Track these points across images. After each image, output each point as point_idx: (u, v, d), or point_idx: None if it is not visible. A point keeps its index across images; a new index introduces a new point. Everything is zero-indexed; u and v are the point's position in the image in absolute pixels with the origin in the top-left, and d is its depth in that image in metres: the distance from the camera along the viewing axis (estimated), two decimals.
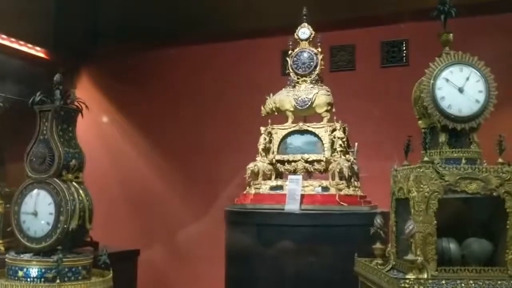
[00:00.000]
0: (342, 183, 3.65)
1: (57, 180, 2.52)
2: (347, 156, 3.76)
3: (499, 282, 1.92)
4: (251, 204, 3.72)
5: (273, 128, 3.92)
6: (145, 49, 5.66)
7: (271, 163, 3.87)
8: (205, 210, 5.02)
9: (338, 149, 3.74)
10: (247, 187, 3.88)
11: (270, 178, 3.85)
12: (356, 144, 3.82)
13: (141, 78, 5.66)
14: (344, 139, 3.78)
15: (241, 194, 3.89)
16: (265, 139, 3.91)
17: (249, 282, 3.57)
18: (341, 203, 3.54)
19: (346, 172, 3.62)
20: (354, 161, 3.79)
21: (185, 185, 5.46)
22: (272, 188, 3.77)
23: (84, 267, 2.50)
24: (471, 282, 1.93)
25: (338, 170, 3.64)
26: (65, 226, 2.45)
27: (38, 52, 5.29)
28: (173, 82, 5.59)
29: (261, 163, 3.84)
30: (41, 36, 5.19)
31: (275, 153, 3.87)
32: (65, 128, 2.64)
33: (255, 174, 3.82)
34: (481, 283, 1.92)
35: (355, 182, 3.79)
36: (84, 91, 5.84)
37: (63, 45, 5.33)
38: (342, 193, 3.61)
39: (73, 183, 2.55)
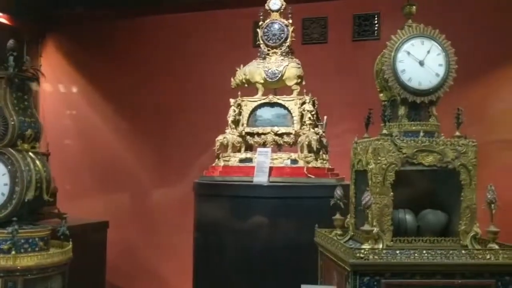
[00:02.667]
0: (311, 156, 3.67)
1: (11, 150, 2.46)
2: (316, 129, 3.77)
3: (450, 252, 1.97)
4: (220, 176, 3.73)
5: (243, 100, 3.89)
6: (115, 16, 5.48)
7: (240, 136, 3.86)
8: (174, 181, 5.01)
9: (307, 122, 3.75)
10: (216, 159, 3.87)
11: (239, 151, 3.84)
12: (325, 117, 3.83)
13: (111, 46, 5.51)
14: (313, 112, 3.78)
15: (210, 166, 3.88)
16: (234, 111, 3.88)
17: (217, 253, 3.61)
18: (309, 175, 3.57)
19: (314, 145, 3.64)
20: (323, 134, 3.81)
21: (154, 156, 5.42)
22: (241, 160, 3.77)
23: (42, 238, 2.48)
24: (425, 252, 1.98)
25: (306, 143, 3.65)
26: (21, 197, 2.40)
27: None
28: (143, 51, 5.47)
29: (230, 136, 3.83)
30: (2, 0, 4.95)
31: (245, 125, 3.85)
32: (20, 96, 2.56)
33: (224, 146, 3.81)
34: (433, 253, 1.97)
35: (324, 155, 3.82)
36: (50, 59, 5.67)
37: (27, 11, 5.10)
38: (310, 165, 3.64)
39: (29, 153, 2.48)
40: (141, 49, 5.48)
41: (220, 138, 3.82)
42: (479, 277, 1.98)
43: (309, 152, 3.66)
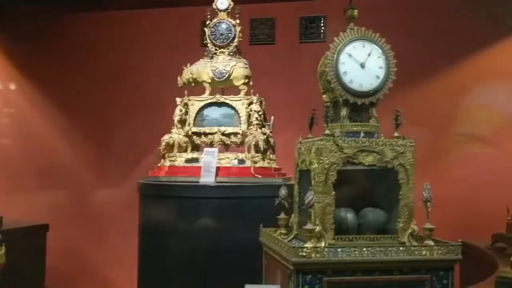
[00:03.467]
0: (258, 156, 3.69)
1: None
2: (263, 129, 3.79)
3: (389, 249, 2.03)
4: (165, 177, 3.67)
5: (189, 100, 3.85)
6: (56, 12, 5.27)
7: (187, 135, 3.82)
8: (119, 182, 4.88)
9: (255, 122, 3.77)
10: (162, 160, 3.81)
11: (185, 151, 3.81)
12: (272, 117, 3.87)
13: (52, 43, 5.30)
14: (260, 113, 3.80)
15: (156, 166, 3.81)
16: (181, 110, 3.84)
17: (163, 255, 3.54)
18: (256, 175, 3.58)
19: (261, 145, 3.67)
20: (270, 134, 3.84)
21: (98, 156, 5.26)
22: (187, 160, 3.73)
23: None
24: (365, 249, 2.02)
25: (254, 143, 3.67)
26: None
27: None
28: (86, 48, 5.29)
29: (176, 135, 3.78)
30: None
31: (191, 125, 3.82)
32: None
33: (170, 146, 3.76)
34: (373, 250, 2.02)
35: (271, 155, 3.85)
36: None
37: None
38: (257, 165, 3.66)
39: None
40: (85, 46, 5.31)
41: (166, 137, 3.76)
42: (415, 272, 2.05)
43: (256, 152, 3.68)
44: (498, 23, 4.65)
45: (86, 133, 5.30)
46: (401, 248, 2.04)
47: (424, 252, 2.05)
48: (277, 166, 3.83)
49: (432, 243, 2.09)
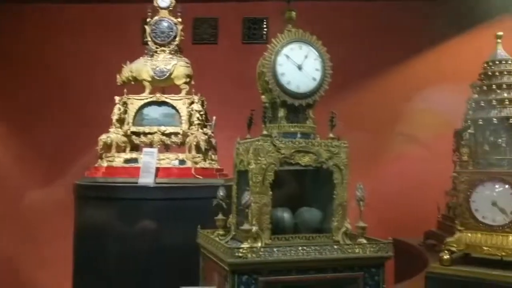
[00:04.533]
0: (199, 157, 3.66)
1: None
2: (204, 129, 3.77)
3: (323, 247, 2.06)
4: (102, 178, 3.56)
5: (128, 98, 3.76)
6: None
7: (125, 135, 3.72)
8: (53, 183, 4.66)
9: (196, 122, 3.74)
10: (99, 160, 3.68)
11: (124, 151, 3.71)
12: (214, 117, 3.85)
13: None
14: (202, 112, 3.78)
15: (92, 167, 3.68)
16: (119, 109, 3.74)
17: (100, 259, 3.43)
18: (197, 176, 3.55)
19: (203, 145, 3.65)
20: (212, 134, 3.82)
21: (31, 156, 5.01)
22: (126, 161, 3.64)
23: None
24: (300, 248, 2.04)
25: (195, 143, 3.64)
26: None
27: None
28: (21, 43, 5.03)
29: (114, 135, 3.67)
30: None
31: (130, 124, 3.72)
32: None
33: (107, 146, 3.65)
34: (308, 249, 2.04)
35: (212, 156, 3.83)
36: None
37: None
38: (198, 166, 3.63)
39: None
40: (19, 41, 5.03)
41: (103, 137, 3.65)
42: (349, 270, 2.10)
43: (197, 152, 3.65)
44: (435, 29, 4.89)
45: (19, 132, 5.02)
46: (335, 247, 2.08)
47: (357, 250, 2.10)
48: (219, 167, 3.81)
49: (364, 241, 2.15)
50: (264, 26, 4.86)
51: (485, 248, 2.84)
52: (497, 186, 2.87)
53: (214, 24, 4.93)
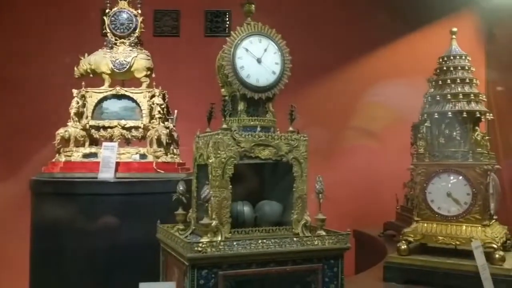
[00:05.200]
0: (160, 151, 3.62)
1: None
2: (166, 123, 3.72)
3: (283, 240, 2.08)
4: (60, 173, 3.46)
5: (87, 91, 3.66)
6: None
7: (84, 129, 3.63)
8: (7, 179, 4.50)
9: (157, 115, 3.68)
10: (57, 155, 3.58)
11: (83, 145, 3.61)
12: (175, 111, 3.81)
13: None
14: (163, 106, 3.72)
15: (50, 162, 3.57)
16: (77, 102, 3.63)
17: (59, 255, 3.34)
18: (158, 170, 3.51)
19: (164, 139, 3.60)
20: (174, 128, 3.78)
21: None
22: (85, 155, 3.55)
23: None
24: (260, 241, 2.05)
25: (156, 137, 3.60)
26: None
27: None
28: None
29: (72, 129, 3.57)
30: None
31: (89, 118, 3.63)
32: None
33: (65, 141, 3.55)
34: (268, 242, 2.06)
35: (174, 150, 3.79)
36: None
37: None
38: (159, 160, 3.59)
39: None
40: None
41: (61, 131, 3.54)
42: (308, 262, 2.12)
43: (159, 146, 3.61)
44: (392, 25, 4.99)
45: None
46: (294, 239, 2.09)
47: (316, 242, 2.13)
48: (181, 161, 3.78)
49: (323, 233, 2.18)
50: (227, 19, 4.83)
51: (440, 237, 2.93)
52: (451, 178, 2.96)
53: (175, 16, 4.85)
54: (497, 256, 2.77)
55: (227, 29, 4.87)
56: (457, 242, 2.89)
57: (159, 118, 3.67)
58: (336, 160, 4.76)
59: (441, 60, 3.13)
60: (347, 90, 4.86)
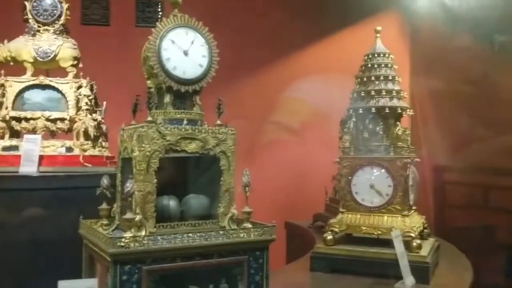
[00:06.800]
0: (88, 144, 3.50)
1: None
2: (94, 115, 3.60)
3: (209, 233, 2.08)
4: None
5: (7, 80, 3.45)
6: None
7: (4, 121, 3.42)
8: None
9: (84, 107, 3.55)
10: None
11: (3, 138, 3.41)
12: (104, 103, 3.69)
13: None
14: (91, 97, 3.60)
15: None
16: None
17: None
18: (85, 164, 3.39)
19: (92, 132, 3.49)
20: (102, 120, 3.67)
21: None
22: (4, 148, 3.36)
23: None
24: (186, 235, 2.04)
25: (83, 129, 3.48)
26: None
27: None
28: None
29: None
30: None
31: (9, 109, 3.43)
32: None
33: None
34: (194, 236, 2.05)
35: (103, 143, 3.68)
36: None
37: None
38: (87, 153, 3.47)
39: None
40: None
41: None
42: (234, 254, 2.14)
43: (86, 139, 3.49)
44: (321, 22, 5.12)
45: None
46: (220, 232, 2.10)
47: (242, 235, 2.14)
48: (109, 155, 3.67)
49: (249, 225, 2.20)
50: (159, 9, 4.74)
51: (363, 228, 3.07)
52: (374, 170, 3.10)
53: (105, 4, 4.68)
54: (414, 244, 2.94)
55: (159, 19, 4.75)
56: (379, 232, 3.04)
57: (87, 110, 3.54)
58: (268, 154, 4.84)
59: (365, 57, 3.26)
60: (276, 85, 4.95)
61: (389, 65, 3.20)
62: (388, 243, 2.95)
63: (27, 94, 3.48)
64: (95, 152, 3.52)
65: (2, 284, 3.11)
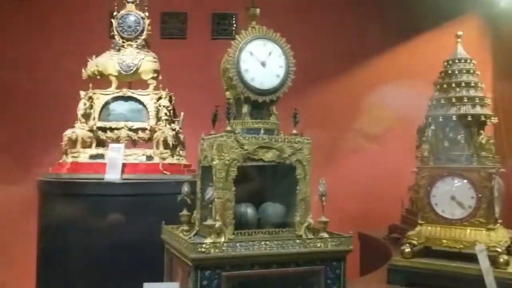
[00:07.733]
0: (166, 152, 3.65)
1: None
2: (172, 125, 3.75)
3: (286, 242, 2.10)
4: (67, 174, 3.49)
5: (94, 93, 3.70)
6: None
7: (91, 130, 3.67)
8: (15, 179, 4.54)
9: (163, 117, 3.72)
10: (64, 156, 3.62)
11: (90, 146, 3.65)
12: (182, 113, 3.84)
13: None
14: (169, 108, 3.76)
15: (57, 162, 3.62)
16: (85, 104, 3.67)
17: (64, 256, 3.37)
18: (164, 171, 3.53)
19: (170, 141, 3.63)
20: (180, 130, 3.81)
21: None
22: (92, 156, 3.59)
23: None
24: (263, 243, 2.07)
25: (162, 139, 3.63)
26: None
27: None
28: None
29: (80, 130, 3.62)
30: None
31: (96, 119, 3.67)
32: None
33: (72, 142, 3.59)
34: (271, 244, 2.08)
35: (180, 151, 3.82)
36: None
37: None
38: (166, 162, 3.61)
39: None
40: None
41: (68, 132, 3.58)
42: (310, 264, 2.14)
43: (165, 148, 3.64)
44: (397, 29, 5.00)
45: None
46: (297, 241, 2.12)
47: (318, 244, 2.14)
48: (186, 163, 3.80)
49: (326, 235, 2.19)
50: (233, 21, 4.86)
51: (444, 241, 2.93)
52: (456, 181, 2.96)
53: (182, 18, 4.89)
54: (501, 260, 2.76)
55: (233, 31, 4.89)
56: (461, 246, 2.88)
57: (166, 120, 3.70)
58: (341, 163, 4.77)
59: (446, 63, 3.13)
60: (352, 93, 4.87)
61: (471, 71, 3.05)
62: (470, 258, 2.80)
63: (112, 106, 3.70)
64: (173, 160, 3.66)
65: (87, 286, 3.30)
